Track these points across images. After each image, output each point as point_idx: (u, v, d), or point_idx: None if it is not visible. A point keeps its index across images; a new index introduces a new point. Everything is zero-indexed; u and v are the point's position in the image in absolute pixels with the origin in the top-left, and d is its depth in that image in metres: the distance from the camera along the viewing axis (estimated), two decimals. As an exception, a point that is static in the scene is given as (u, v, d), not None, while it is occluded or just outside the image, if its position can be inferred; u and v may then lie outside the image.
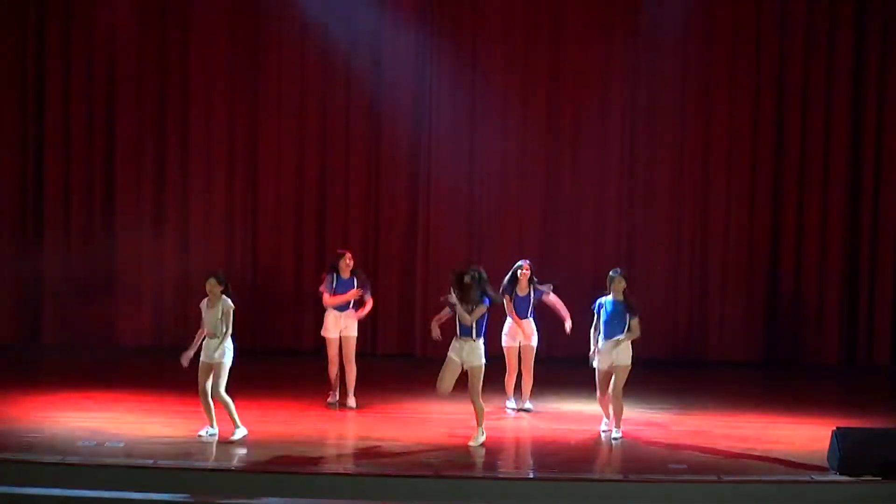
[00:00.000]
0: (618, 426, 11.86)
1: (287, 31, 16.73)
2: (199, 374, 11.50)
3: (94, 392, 13.52)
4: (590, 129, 16.80)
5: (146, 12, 16.78)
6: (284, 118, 16.85)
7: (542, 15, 16.75)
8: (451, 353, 11.50)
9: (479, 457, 11.11)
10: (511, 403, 13.21)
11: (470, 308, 11.40)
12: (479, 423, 11.50)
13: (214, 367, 11.47)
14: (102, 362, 15.47)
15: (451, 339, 11.58)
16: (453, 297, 11.51)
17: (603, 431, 12.02)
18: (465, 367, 11.47)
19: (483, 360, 11.47)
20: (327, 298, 13.16)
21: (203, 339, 11.54)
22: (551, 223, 16.87)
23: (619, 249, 16.53)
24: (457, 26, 16.76)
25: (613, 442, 11.70)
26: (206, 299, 11.61)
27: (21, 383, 13.97)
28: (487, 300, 11.45)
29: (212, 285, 11.57)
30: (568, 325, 13.13)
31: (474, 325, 11.43)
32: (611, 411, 11.91)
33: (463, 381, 11.53)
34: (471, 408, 11.51)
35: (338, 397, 13.20)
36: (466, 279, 11.39)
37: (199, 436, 11.49)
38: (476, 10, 16.79)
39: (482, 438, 11.48)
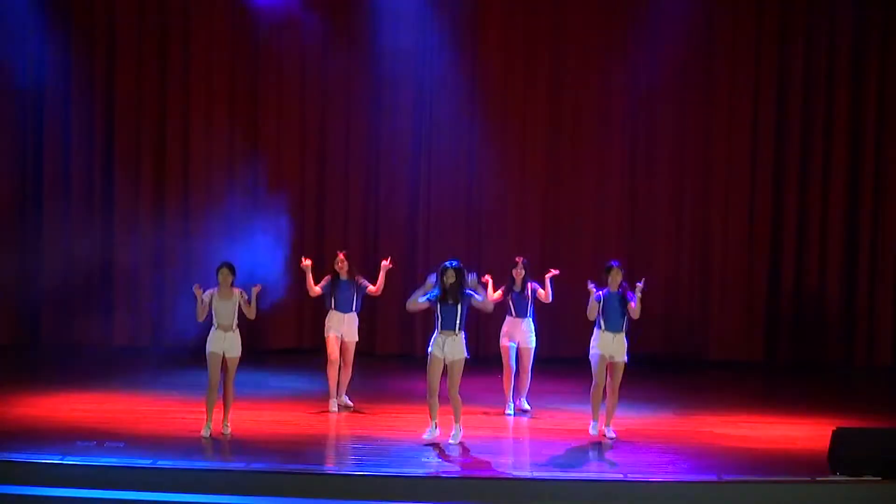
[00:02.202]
0: (608, 424, 11.78)
1: (287, 34, 16.73)
2: (214, 367, 11.40)
3: (93, 392, 13.51)
4: (590, 127, 16.81)
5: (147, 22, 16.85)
6: (285, 117, 16.85)
7: (543, 13, 16.75)
8: (433, 350, 11.37)
9: (479, 457, 11.09)
10: (510, 408, 12.96)
11: (459, 301, 11.28)
12: (456, 420, 11.41)
13: (229, 361, 11.44)
14: (101, 362, 15.45)
15: (432, 334, 11.43)
16: (433, 281, 11.37)
17: (591, 434, 11.78)
18: (446, 362, 11.35)
19: (466, 354, 11.40)
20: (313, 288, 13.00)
21: (213, 331, 11.48)
22: (551, 222, 16.87)
23: (619, 249, 16.50)
24: (458, 24, 16.75)
25: (608, 441, 11.63)
26: (213, 290, 11.47)
27: (20, 383, 13.98)
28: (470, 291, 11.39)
29: (225, 275, 11.44)
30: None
31: (458, 318, 11.31)
32: (605, 410, 11.84)
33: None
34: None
35: (337, 405, 12.99)
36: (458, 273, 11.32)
37: (225, 434, 11.49)
38: (477, 8, 16.79)
39: (460, 435, 11.40)
